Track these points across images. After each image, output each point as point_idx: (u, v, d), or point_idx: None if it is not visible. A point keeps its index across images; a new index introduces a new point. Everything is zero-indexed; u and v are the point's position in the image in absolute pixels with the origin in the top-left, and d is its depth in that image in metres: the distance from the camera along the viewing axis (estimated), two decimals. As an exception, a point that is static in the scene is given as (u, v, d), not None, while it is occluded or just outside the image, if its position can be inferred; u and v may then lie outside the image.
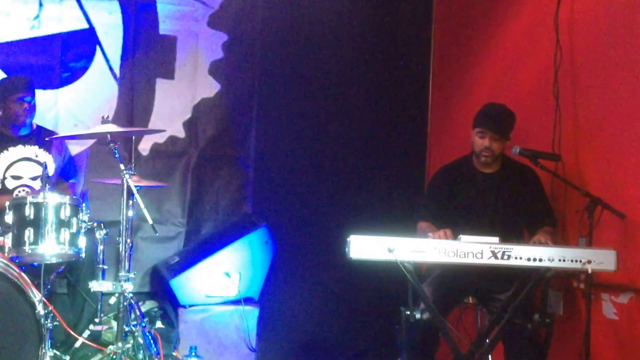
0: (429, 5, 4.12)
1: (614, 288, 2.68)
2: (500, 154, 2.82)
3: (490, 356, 2.79)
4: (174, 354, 3.18)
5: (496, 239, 2.38)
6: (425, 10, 4.11)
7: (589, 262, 2.34)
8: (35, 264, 2.78)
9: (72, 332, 2.79)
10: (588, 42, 2.91)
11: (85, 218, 2.76)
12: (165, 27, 3.74)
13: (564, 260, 2.34)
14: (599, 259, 2.34)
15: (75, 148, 3.53)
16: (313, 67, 3.91)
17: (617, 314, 2.69)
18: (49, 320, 2.54)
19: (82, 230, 2.74)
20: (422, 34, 4.11)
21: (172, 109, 3.77)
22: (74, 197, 2.79)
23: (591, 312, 2.53)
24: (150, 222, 2.55)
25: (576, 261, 2.35)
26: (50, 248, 2.66)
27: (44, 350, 2.51)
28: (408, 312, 2.35)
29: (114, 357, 2.61)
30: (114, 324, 2.83)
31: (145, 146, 3.72)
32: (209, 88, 3.82)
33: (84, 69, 3.63)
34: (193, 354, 2.87)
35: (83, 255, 2.76)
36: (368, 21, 3.99)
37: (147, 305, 3.52)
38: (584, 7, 2.94)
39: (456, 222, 2.68)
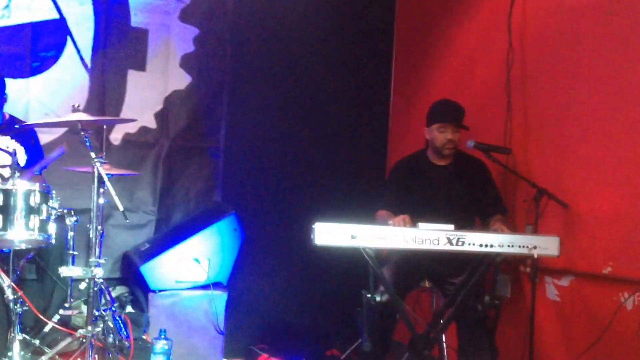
0: (392, 6, 4.14)
1: (557, 272, 2.74)
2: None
3: (444, 335, 2.83)
4: (144, 337, 3.10)
5: (452, 227, 2.40)
6: (388, 11, 4.13)
7: (535, 247, 2.37)
8: (4, 249, 2.67)
9: (41, 317, 2.69)
10: (538, 44, 2.96)
11: (56, 205, 2.66)
12: (137, 19, 3.62)
13: (512, 246, 2.37)
14: (544, 245, 2.39)
15: (45, 137, 3.38)
16: (281, 62, 3.87)
17: (558, 296, 2.77)
18: (18, 305, 2.46)
19: (52, 217, 2.64)
20: (385, 33, 4.13)
21: (143, 100, 3.67)
22: (44, 184, 2.67)
23: (536, 294, 2.59)
24: (122, 209, 2.47)
25: (523, 247, 2.38)
26: (20, 234, 2.55)
27: (12, 335, 2.44)
28: (369, 295, 2.34)
29: (84, 340, 2.53)
30: (84, 308, 2.73)
31: (117, 136, 3.61)
32: (180, 80, 3.73)
33: (55, 58, 3.48)
34: (162, 336, 2.80)
35: (53, 241, 2.66)
36: (333, 20, 3.98)
37: (118, 291, 3.44)
38: (535, 12, 2.99)
39: (413, 211, 2.69)
